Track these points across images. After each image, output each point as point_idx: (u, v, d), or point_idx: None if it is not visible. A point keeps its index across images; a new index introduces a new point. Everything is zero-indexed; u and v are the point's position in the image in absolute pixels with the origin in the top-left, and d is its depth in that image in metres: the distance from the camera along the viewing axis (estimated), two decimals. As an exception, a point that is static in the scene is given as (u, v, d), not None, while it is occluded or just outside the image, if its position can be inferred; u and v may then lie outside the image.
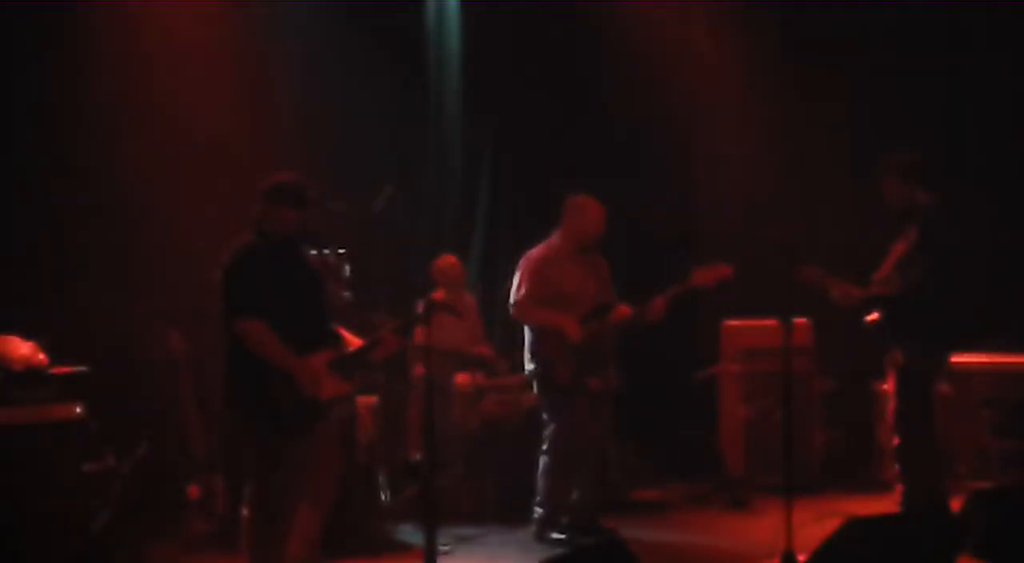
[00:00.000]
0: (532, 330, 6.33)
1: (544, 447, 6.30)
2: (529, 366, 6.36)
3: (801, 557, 5.20)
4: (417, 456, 6.99)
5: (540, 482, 6.29)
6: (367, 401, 6.90)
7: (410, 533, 6.39)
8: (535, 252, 6.42)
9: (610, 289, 6.43)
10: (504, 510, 6.56)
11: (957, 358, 7.27)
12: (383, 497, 6.73)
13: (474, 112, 8.57)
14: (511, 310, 6.39)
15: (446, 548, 5.93)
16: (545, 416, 6.35)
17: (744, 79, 8.36)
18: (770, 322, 6.37)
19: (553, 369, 6.22)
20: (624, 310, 6.31)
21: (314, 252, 5.63)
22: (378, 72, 8.02)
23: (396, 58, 8.20)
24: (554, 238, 6.45)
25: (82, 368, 5.80)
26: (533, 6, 8.23)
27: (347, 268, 6.52)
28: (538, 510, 6.29)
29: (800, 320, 6.62)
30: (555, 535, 6.22)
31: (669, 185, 8.62)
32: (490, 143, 8.65)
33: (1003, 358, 7.27)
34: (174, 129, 6.94)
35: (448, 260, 7.49)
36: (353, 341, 5.29)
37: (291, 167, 5.25)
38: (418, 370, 7.04)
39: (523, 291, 6.31)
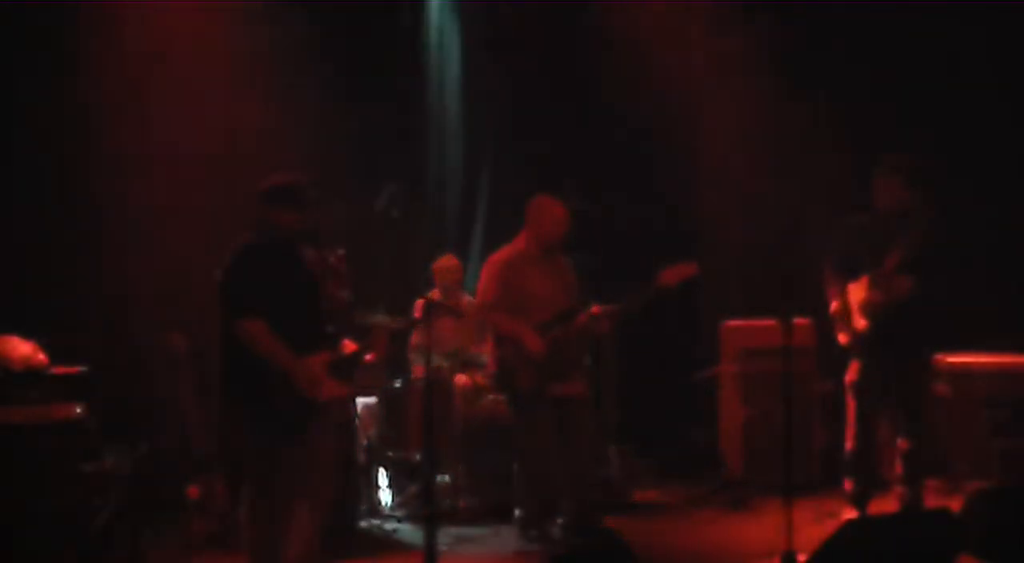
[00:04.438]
0: (495, 336, 6.35)
1: (515, 451, 6.37)
2: (491, 370, 6.41)
3: (801, 557, 5.20)
4: (417, 456, 6.99)
5: (515, 485, 6.37)
6: (367, 401, 6.91)
7: (410, 533, 6.39)
8: (499, 255, 6.42)
9: (575, 292, 6.40)
10: (504, 510, 6.55)
11: (957, 358, 7.31)
12: (383, 497, 6.74)
13: (474, 111, 8.57)
14: (477, 313, 6.42)
15: (445, 548, 5.93)
16: (511, 420, 6.42)
17: (744, 78, 8.35)
18: (770, 322, 6.36)
19: (514, 375, 6.24)
20: (583, 318, 6.28)
21: (314, 252, 5.62)
22: (377, 69, 8.04)
23: (397, 55, 8.22)
24: (518, 241, 6.45)
25: (82, 368, 5.80)
26: (534, 4, 8.26)
27: (347, 268, 6.52)
28: (517, 511, 6.35)
29: (800, 320, 6.63)
30: (534, 535, 6.24)
31: (670, 184, 8.62)
32: (490, 142, 8.65)
33: (1003, 358, 7.27)
34: (175, 129, 6.94)
35: (447, 260, 7.49)
36: (349, 345, 5.29)
37: (291, 167, 5.25)
38: (418, 370, 7.05)
39: (486, 297, 6.33)
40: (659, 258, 6.29)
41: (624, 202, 8.44)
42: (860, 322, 6.14)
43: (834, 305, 6.26)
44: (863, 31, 8.14)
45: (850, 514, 6.15)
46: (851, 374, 6.28)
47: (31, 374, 5.61)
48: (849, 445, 6.26)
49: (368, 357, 5.51)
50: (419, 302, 6.82)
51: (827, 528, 5.40)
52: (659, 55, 8.33)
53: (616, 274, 6.77)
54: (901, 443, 6.22)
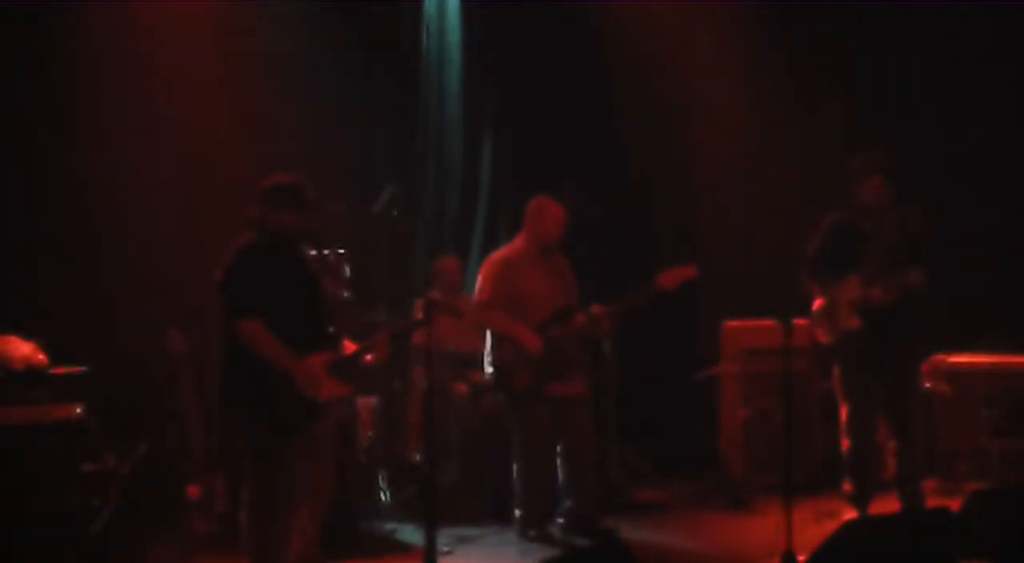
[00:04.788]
0: (492, 335, 6.36)
1: (513, 451, 6.36)
2: (489, 370, 6.40)
3: (801, 557, 5.20)
4: (417, 456, 6.99)
5: (515, 485, 6.35)
6: (367, 401, 6.91)
7: (410, 533, 6.39)
8: (497, 255, 6.47)
9: (573, 292, 6.42)
10: (504, 510, 6.56)
11: (957, 358, 7.31)
12: (383, 497, 6.74)
13: (474, 111, 8.57)
14: (474, 313, 6.42)
15: (447, 549, 5.93)
16: (509, 420, 6.41)
17: (744, 78, 8.35)
18: (770, 322, 6.36)
19: (512, 375, 6.25)
20: (582, 318, 6.28)
21: (314, 252, 5.63)
22: (377, 70, 8.04)
23: (395, 55, 8.21)
24: (517, 241, 6.48)
25: (82, 368, 5.80)
26: (533, 3, 8.25)
27: (347, 268, 6.53)
28: (517, 512, 6.35)
29: (800, 320, 6.63)
30: (534, 534, 6.24)
31: (670, 184, 8.62)
32: (490, 141, 8.64)
33: (1003, 358, 7.26)
34: (174, 129, 6.94)
35: (448, 262, 7.49)
36: (349, 346, 5.30)
37: (291, 167, 5.25)
38: (418, 371, 7.05)
39: (484, 296, 6.34)
40: (659, 258, 6.29)
41: (624, 202, 8.44)
42: (852, 320, 6.12)
43: (818, 303, 6.24)
44: (864, 30, 8.14)
45: (850, 514, 6.15)
46: (840, 372, 6.26)
47: (31, 374, 5.61)
48: (846, 446, 6.25)
49: (368, 358, 5.51)
50: (419, 302, 6.82)
51: (827, 528, 5.43)
52: (660, 54, 8.33)
53: (616, 274, 6.77)
54: (894, 443, 6.21)
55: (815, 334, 6.31)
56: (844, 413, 6.25)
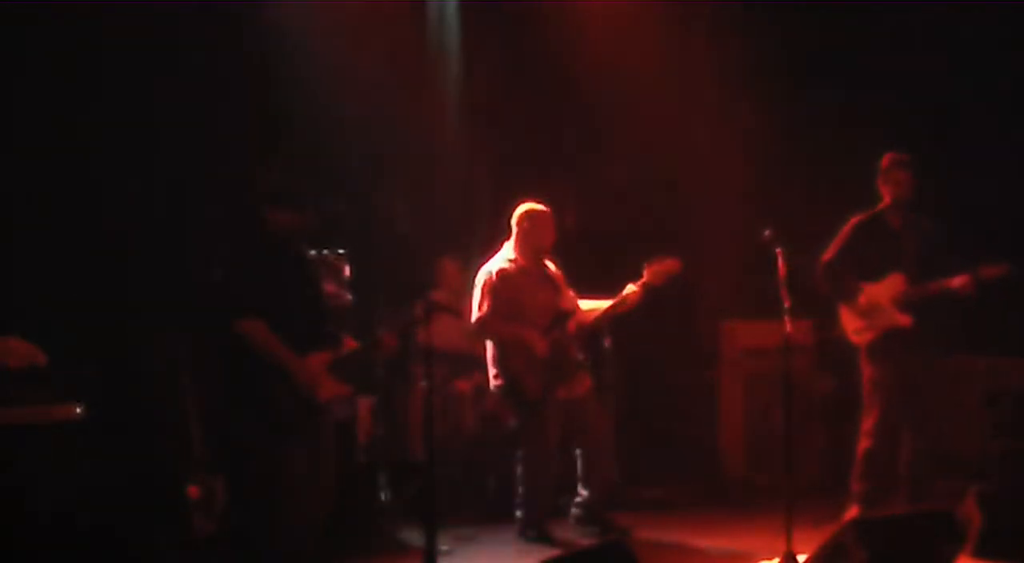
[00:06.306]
0: (498, 345, 6.35)
1: (518, 454, 6.37)
2: (496, 382, 6.38)
3: (801, 557, 5.20)
4: (418, 456, 6.99)
5: (516, 486, 6.36)
6: (367, 401, 6.91)
7: (410, 533, 6.39)
8: (492, 267, 6.40)
9: (565, 295, 6.42)
10: (504, 510, 6.56)
11: (957, 358, 7.31)
12: (383, 497, 6.74)
13: (475, 110, 8.57)
14: (474, 328, 6.39)
15: (446, 549, 5.93)
16: (516, 426, 6.42)
17: (744, 77, 8.35)
18: (770, 322, 6.36)
19: (522, 383, 6.24)
20: (583, 317, 6.30)
21: (314, 252, 5.62)
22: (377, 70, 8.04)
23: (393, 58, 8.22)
24: (507, 250, 6.43)
25: (82, 368, 5.80)
26: (529, 6, 8.26)
27: (347, 268, 6.52)
28: (518, 512, 6.36)
29: (800, 320, 6.64)
30: (534, 535, 6.26)
31: (667, 184, 8.61)
32: (491, 142, 8.64)
33: (1003, 358, 7.26)
34: (175, 127, 6.93)
35: (450, 264, 7.48)
36: (351, 343, 5.29)
37: (293, 166, 5.25)
38: (418, 370, 7.05)
39: (486, 308, 6.31)
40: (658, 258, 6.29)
41: (622, 202, 8.44)
42: (902, 317, 6.11)
43: (863, 300, 6.21)
44: (863, 29, 8.14)
45: (851, 514, 6.15)
46: (879, 372, 6.22)
47: (31, 374, 5.61)
48: (867, 444, 6.21)
49: (388, 342, 5.47)
50: (419, 303, 6.82)
51: (827, 528, 5.43)
52: (660, 54, 8.33)
53: (615, 275, 6.76)
54: (917, 442, 6.19)
55: (845, 334, 6.28)
56: (874, 414, 6.19)
